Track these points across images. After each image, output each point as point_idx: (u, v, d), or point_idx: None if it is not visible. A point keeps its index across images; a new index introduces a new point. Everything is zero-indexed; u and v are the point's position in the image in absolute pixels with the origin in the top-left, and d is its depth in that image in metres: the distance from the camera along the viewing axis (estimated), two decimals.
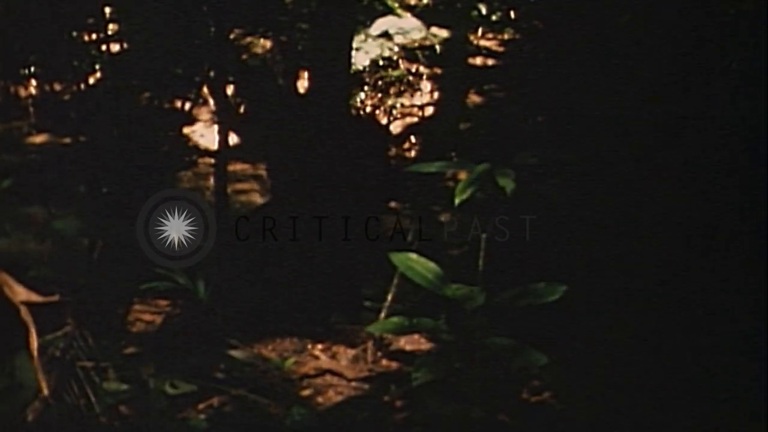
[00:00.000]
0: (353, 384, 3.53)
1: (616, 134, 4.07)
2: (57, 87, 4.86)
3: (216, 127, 4.73)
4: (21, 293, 3.35)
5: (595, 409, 3.23)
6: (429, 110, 6.26)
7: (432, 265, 3.31)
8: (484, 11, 6.30)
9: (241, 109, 6.02)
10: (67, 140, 4.70)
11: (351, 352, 3.71)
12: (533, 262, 3.93)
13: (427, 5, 6.46)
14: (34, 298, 3.35)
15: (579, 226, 4.05)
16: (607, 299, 3.68)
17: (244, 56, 5.36)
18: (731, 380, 3.21)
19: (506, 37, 6.38)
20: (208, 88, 5.00)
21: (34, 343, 3.15)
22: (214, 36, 4.33)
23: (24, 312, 3.25)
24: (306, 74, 4.70)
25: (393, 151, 5.87)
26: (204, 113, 6.10)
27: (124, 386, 3.22)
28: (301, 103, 4.54)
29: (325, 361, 3.68)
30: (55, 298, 3.39)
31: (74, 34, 4.50)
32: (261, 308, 3.94)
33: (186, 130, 5.66)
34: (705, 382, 3.25)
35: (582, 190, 4.17)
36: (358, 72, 6.04)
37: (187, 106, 4.55)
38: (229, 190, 4.45)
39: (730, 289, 3.52)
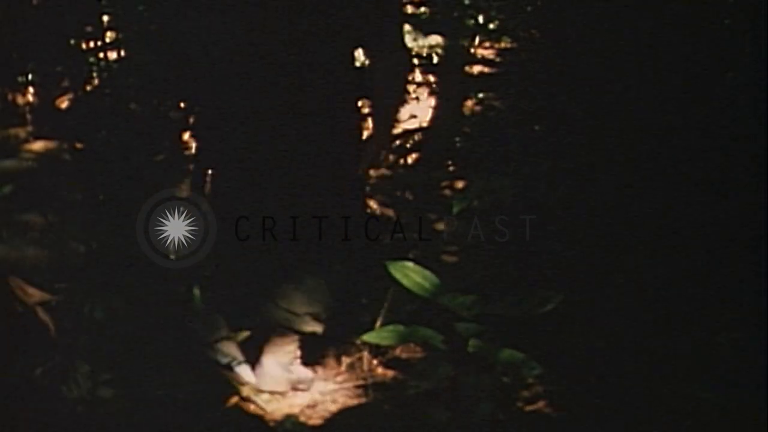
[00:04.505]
0: (348, 393, 3.53)
1: (614, 142, 4.07)
2: (54, 94, 4.87)
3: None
4: (35, 295, 3.36)
5: (591, 419, 3.22)
6: (426, 118, 6.26)
7: (428, 273, 3.31)
8: (481, 20, 6.32)
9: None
10: (65, 147, 4.71)
11: (346, 360, 3.71)
12: (531, 270, 3.93)
13: (424, 14, 6.48)
14: (48, 298, 3.36)
15: (576, 234, 4.05)
16: (604, 308, 3.67)
17: None
18: (732, 390, 3.20)
19: (503, 45, 6.41)
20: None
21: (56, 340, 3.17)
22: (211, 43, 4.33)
23: (42, 312, 3.26)
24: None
25: (391, 159, 5.87)
26: None
27: (121, 390, 3.21)
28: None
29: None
30: (55, 299, 3.40)
31: (72, 41, 4.51)
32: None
33: (184, 137, 5.67)
34: (705, 391, 3.24)
35: (579, 198, 4.18)
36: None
37: (185, 113, 4.55)
38: None
39: (731, 299, 3.52)
